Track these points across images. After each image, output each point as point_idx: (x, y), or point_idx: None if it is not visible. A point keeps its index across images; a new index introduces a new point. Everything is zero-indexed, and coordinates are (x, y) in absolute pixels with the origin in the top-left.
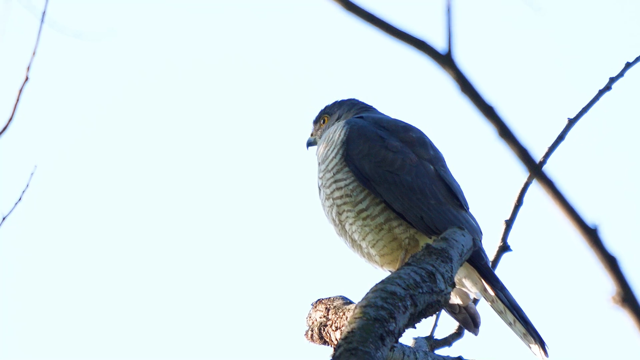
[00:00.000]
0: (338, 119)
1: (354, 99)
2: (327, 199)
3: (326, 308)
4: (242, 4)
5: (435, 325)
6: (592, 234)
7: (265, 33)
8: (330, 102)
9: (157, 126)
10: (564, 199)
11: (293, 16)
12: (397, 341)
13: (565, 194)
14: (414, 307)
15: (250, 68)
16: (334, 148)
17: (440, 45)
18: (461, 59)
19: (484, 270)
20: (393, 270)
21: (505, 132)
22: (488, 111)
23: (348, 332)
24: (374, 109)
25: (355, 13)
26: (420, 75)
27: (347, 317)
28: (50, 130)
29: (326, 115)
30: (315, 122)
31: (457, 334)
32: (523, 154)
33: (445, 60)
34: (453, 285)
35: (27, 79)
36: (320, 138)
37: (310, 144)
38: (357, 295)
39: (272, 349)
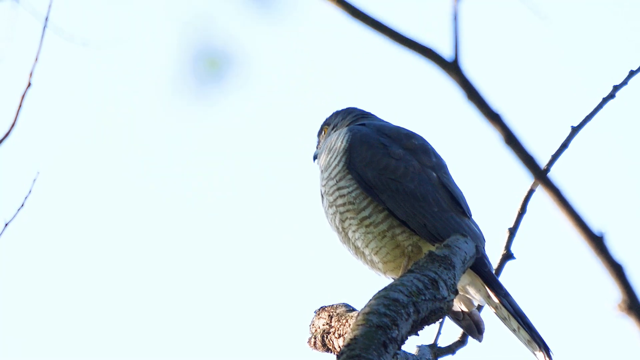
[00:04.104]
0: (335, 128)
1: (351, 107)
2: (330, 206)
3: (329, 315)
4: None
5: (439, 333)
6: (598, 242)
7: (270, 41)
8: (329, 112)
9: (161, 133)
10: (570, 206)
11: (298, 23)
12: (399, 348)
13: (571, 201)
14: (417, 314)
15: (255, 75)
16: (337, 156)
17: (446, 52)
18: (468, 67)
19: (488, 277)
20: (396, 277)
21: (511, 140)
22: (494, 118)
23: (351, 340)
24: (373, 115)
25: (361, 20)
26: (426, 82)
27: (350, 325)
28: (52, 137)
29: (326, 126)
30: (319, 134)
31: (461, 342)
32: (529, 162)
33: (452, 67)
34: (456, 292)
35: (29, 84)
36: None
37: (316, 156)
38: (360, 302)
39: (275, 356)
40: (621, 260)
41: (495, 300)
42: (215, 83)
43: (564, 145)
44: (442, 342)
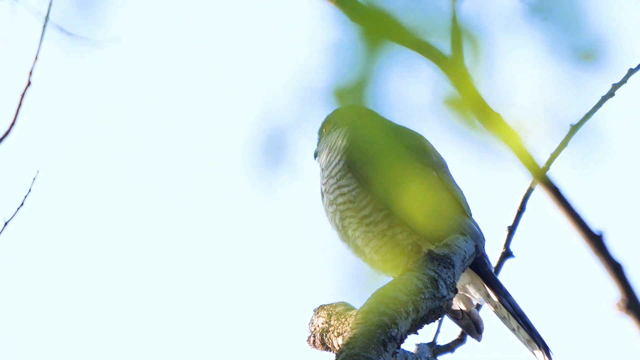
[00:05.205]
0: (335, 125)
1: (353, 105)
2: (331, 204)
3: (328, 314)
4: (245, 10)
5: (438, 331)
6: (597, 241)
7: (269, 41)
8: (331, 109)
9: (161, 132)
10: (569, 205)
11: (293, 20)
12: (399, 347)
13: (570, 200)
14: (416, 313)
15: (255, 74)
16: (337, 154)
17: (445, 50)
18: (467, 64)
19: (487, 277)
20: (395, 276)
21: (510, 138)
22: (493, 117)
23: (350, 338)
24: (375, 113)
25: (360, 17)
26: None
27: (349, 323)
28: (52, 136)
29: (327, 124)
30: (320, 132)
31: (460, 340)
32: (528, 160)
33: (450, 65)
34: (455, 291)
35: (29, 83)
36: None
37: (317, 154)
38: (360, 301)
39: (275, 355)
40: (620, 259)
41: (495, 299)
42: None
43: (564, 144)
44: (441, 341)
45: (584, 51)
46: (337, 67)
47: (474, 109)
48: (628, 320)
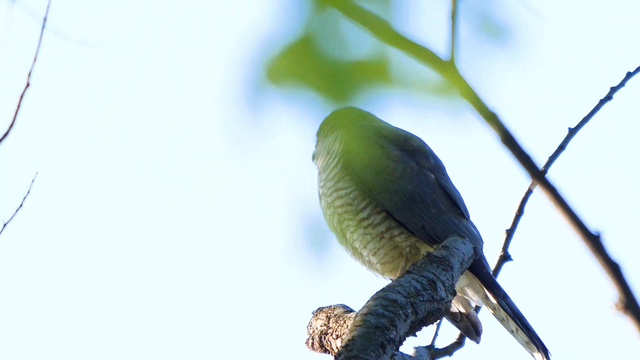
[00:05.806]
0: (333, 128)
1: (350, 107)
2: (328, 207)
3: (327, 316)
4: (245, 10)
5: (436, 334)
6: (594, 241)
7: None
8: (329, 111)
9: (161, 133)
10: (567, 205)
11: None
12: (397, 349)
13: (568, 200)
14: (415, 315)
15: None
16: (335, 157)
17: (442, 51)
18: (464, 66)
19: (486, 279)
20: (394, 278)
21: (508, 139)
22: (491, 118)
23: (349, 340)
24: (372, 116)
25: (354, 17)
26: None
27: (347, 326)
28: (51, 137)
29: (325, 126)
30: (318, 134)
31: (458, 343)
32: (526, 161)
33: (448, 67)
34: (454, 293)
35: (28, 85)
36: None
37: (314, 156)
38: (358, 303)
39: (273, 357)
40: (618, 259)
41: (494, 301)
42: None
43: (562, 147)
44: (440, 344)
45: (491, 26)
46: (282, 22)
47: (475, 110)
48: (626, 320)
